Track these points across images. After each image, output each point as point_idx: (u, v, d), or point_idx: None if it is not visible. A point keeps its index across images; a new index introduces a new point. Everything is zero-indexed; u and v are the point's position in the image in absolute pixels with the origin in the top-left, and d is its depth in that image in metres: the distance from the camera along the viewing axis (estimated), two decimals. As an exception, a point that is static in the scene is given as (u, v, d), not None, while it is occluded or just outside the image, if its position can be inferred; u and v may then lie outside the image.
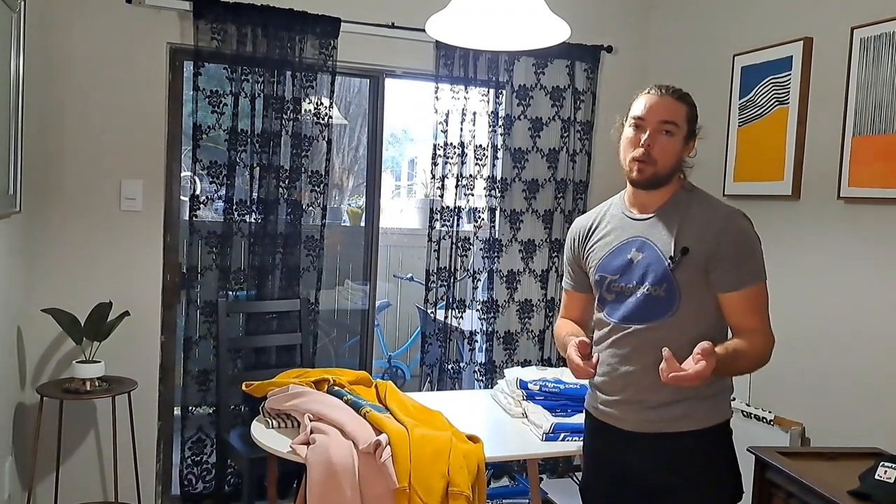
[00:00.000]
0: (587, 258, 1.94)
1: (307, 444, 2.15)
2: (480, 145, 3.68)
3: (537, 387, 2.66)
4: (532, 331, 3.83)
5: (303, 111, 3.36)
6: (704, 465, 1.78)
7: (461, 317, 3.74)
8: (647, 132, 1.76)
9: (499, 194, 3.73)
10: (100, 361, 2.95)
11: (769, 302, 1.78)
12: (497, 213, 3.74)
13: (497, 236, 3.76)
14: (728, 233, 1.73)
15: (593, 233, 1.94)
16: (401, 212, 6.42)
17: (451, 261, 3.66)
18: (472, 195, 3.71)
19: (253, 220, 3.31)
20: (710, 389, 1.75)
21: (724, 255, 1.72)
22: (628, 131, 1.82)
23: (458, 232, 3.67)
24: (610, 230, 1.90)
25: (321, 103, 3.38)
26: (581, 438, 2.37)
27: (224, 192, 3.27)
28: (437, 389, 3.67)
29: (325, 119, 3.39)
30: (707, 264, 1.73)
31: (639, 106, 1.80)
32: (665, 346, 1.74)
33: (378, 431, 2.17)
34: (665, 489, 1.77)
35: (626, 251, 1.83)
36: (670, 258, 1.74)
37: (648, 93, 1.81)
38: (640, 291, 1.78)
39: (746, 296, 1.73)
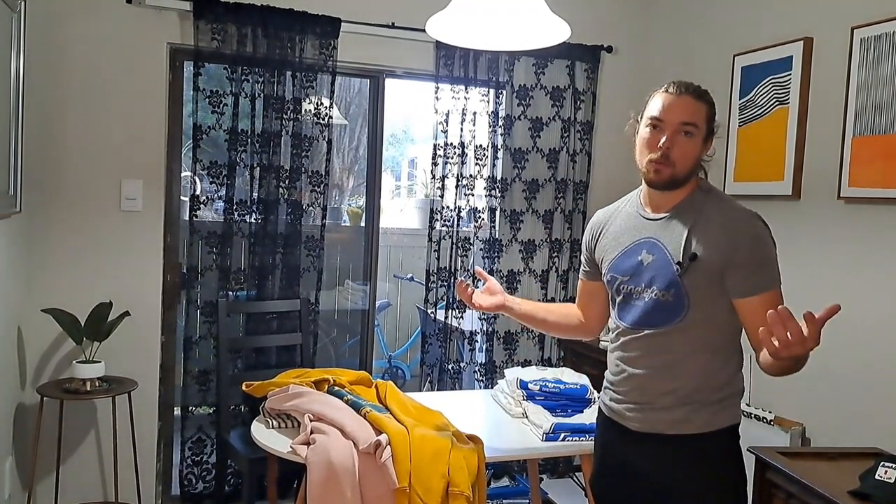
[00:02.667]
0: (601, 255, 1.92)
1: (307, 444, 2.14)
2: (480, 145, 3.68)
3: (537, 387, 2.65)
4: (532, 331, 3.83)
5: (303, 111, 3.36)
6: (706, 469, 1.76)
7: (461, 317, 3.74)
8: (666, 134, 1.70)
9: (499, 194, 3.73)
10: (100, 361, 2.95)
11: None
12: (497, 213, 3.75)
13: (497, 236, 3.76)
14: (745, 238, 1.68)
15: (607, 229, 1.92)
16: (401, 212, 6.42)
17: (451, 261, 3.66)
18: (473, 195, 3.71)
19: (253, 221, 3.31)
20: (716, 394, 1.74)
21: (741, 261, 1.67)
22: (645, 131, 1.75)
23: (458, 232, 3.67)
24: (623, 230, 1.87)
25: (321, 103, 3.38)
26: (581, 438, 2.38)
27: (224, 192, 3.27)
28: (438, 389, 3.68)
29: (326, 119, 3.39)
30: (723, 270, 1.68)
31: (656, 105, 1.74)
32: (672, 352, 1.74)
33: (378, 431, 2.17)
34: (667, 489, 1.76)
35: (637, 252, 1.80)
36: (678, 263, 1.71)
37: (666, 91, 1.74)
38: (649, 295, 1.75)
39: (764, 301, 1.66)
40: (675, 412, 1.75)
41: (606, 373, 1.92)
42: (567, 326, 2.14)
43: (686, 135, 1.71)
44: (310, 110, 3.38)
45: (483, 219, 3.74)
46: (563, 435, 2.40)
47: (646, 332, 1.77)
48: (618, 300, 1.85)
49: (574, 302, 2.18)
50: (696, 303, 1.71)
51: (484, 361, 3.79)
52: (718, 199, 1.79)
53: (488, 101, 3.70)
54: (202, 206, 3.27)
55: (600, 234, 1.95)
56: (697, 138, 1.73)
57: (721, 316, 1.73)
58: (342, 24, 3.35)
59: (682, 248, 1.72)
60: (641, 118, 1.79)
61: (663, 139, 1.71)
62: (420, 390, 3.72)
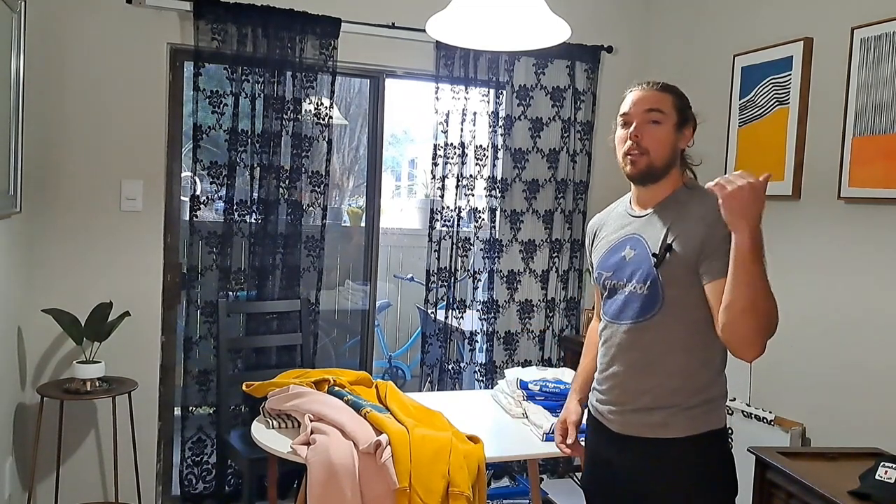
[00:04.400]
0: (593, 256, 1.97)
1: (307, 444, 2.15)
2: (481, 145, 3.68)
3: (538, 387, 2.66)
4: (532, 331, 3.83)
5: (303, 111, 3.36)
6: (689, 475, 1.73)
7: (461, 317, 3.74)
8: (634, 124, 1.76)
9: (499, 194, 3.73)
10: (100, 362, 2.95)
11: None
12: (497, 213, 3.75)
13: (497, 236, 3.76)
14: (720, 221, 1.62)
15: (601, 230, 1.96)
16: (401, 212, 6.41)
17: (451, 261, 3.66)
18: (473, 195, 3.71)
19: (253, 221, 3.31)
20: (696, 398, 1.72)
21: (716, 244, 1.65)
22: (619, 130, 1.82)
23: (458, 232, 3.67)
24: (613, 229, 1.90)
25: (321, 103, 3.38)
26: (581, 439, 2.37)
27: (224, 192, 3.27)
28: (438, 390, 3.68)
29: (326, 119, 3.40)
30: (698, 258, 1.67)
31: (625, 103, 1.81)
32: (648, 348, 1.74)
33: (378, 432, 2.17)
34: (651, 494, 1.75)
35: (622, 248, 1.83)
36: (654, 255, 1.72)
37: (632, 90, 1.82)
38: (628, 289, 1.77)
39: None
40: (653, 415, 1.73)
41: (595, 372, 1.93)
42: None
43: (653, 122, 1.76)
44: (310, 110, 3.38)
45: (483, 219, 3.74)
46: (563, 435, 2.40)
47: (623, 325, 1.77)
48: (604, 296, 1.88)
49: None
50: (672, 297, 1.70)
51: (484, 361, 3.79)
52: (702, 195, 1.77)
53: (488, 102, 3.70)
54: (202, 206, 3.27)
55: (595, 235, 1.99)
56: (667, 125, 1.77)
57: (699, 313, 1.70)
58: (342, 24, 3.35)
59: (660, 242, 1.73)
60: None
61: (632, 128, 1.76)
62: (420, 390, 3.72)
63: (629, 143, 1.76)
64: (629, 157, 1.77)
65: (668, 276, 1.70)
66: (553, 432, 2.38)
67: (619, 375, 1.79)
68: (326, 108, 3.39)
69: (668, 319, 1.72)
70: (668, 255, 1.70)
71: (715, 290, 1.65)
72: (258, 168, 3.29)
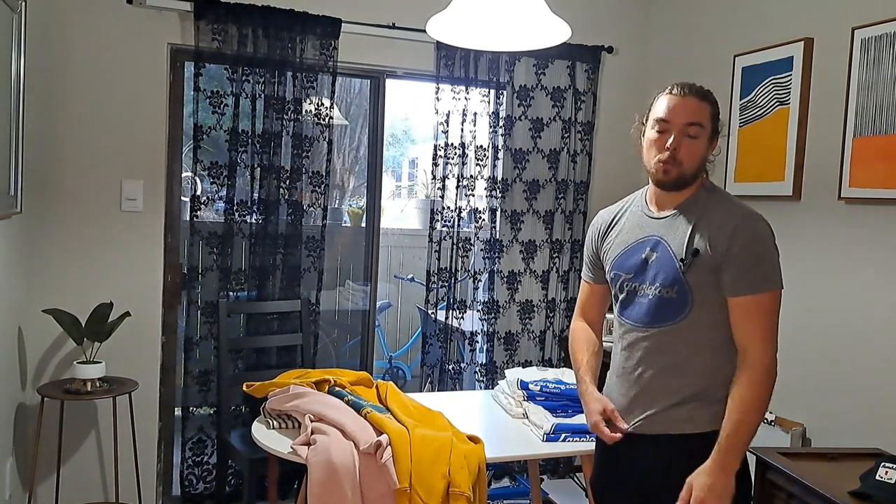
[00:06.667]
0: (604, 253, 1.94)
1: (308, 444, 2.15)
2: (481, 146, 3.68)
3: (538, 387, 2.65)
4: (533, 331, 3.83)
5: (303, 112, 3.36)
6: None
7: (462, 317, 3.74)
8: (673, 135, 1.74)
9: (499, 195, 3.73)
10: (100, 362, 2.95)
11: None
12: (498, 213, 3.74)
13: (498, 237, 3.76)
14: (740, 235, 1.69)
15: (612, 228, 1.94)
16: (401, 212, 6.41)
17: (451, 261, 3.66)
18: (473, 196, 3.71)
19: (254, 221, 3.31)
20: (719, 393, 1.73)
21: (733, 258, 1.68)
22: (651, 133, 1.79)
23: (458, 232, 3.67)
24: (628, 227, 1.89)
25: (322, 104, 3.38)
26: (582, 439, 2.38)
27: (225, 192, 3.27)
28: (438, 390, 3.68)
29: (326, 119, 3.40)
30: (719, 266, 1.70)
31: (661, 107, 1.77)
32: (676, 350, 1.74)
33: (379, 432, 2.17)
34: (667, 489, 1.76)
35: (641, 250, 1.82)
36: (681, 260, 1.72)
37: (670, 93, 1.77)
38: (653, 292, 1.77)
39: (749, 303, 1.68)
40: (678, 411, 1.75)
41: (609, 372, 1.93)
42: (600, 353, 2.08)
43: (691, 135, 1.75)
44: (310, 111, 3.38)
45: (483, 219, 3.74)
46: (563, 435, 2.40)
47: (651, 329, 1.77)
48: (621, 297, 1.86)
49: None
50: (700, 299, 1.72)
51: (484, 362, 3.79)
52: (722, 198, 1.82)
53: (489, 102, 3.70)
54: (203, 206, 3.27)
55: (607, 231, 1.96)
56: (703, 138, 1.77)
57: (724, 314, 1.73)
58: (343, 24, 3.35)
59: (685, 246, 1.73)
60: (647, 120, 1.82)
61: (670, 140, 1.75)
62: (420, 391, 3.72)
63: (666, 153, 1.75)
64: (663, 165, 1.76)
65: (695, 280, 1.72)
66: (554, 433, 2.39)
67: (643, 377, 1.80)
68: (327, 108, 3.39)
69: (696, 321, 1.73)
70: (693, 260, 1.71)
71: (732, 306, 1.71)
72: (258, 168, 3.29)
